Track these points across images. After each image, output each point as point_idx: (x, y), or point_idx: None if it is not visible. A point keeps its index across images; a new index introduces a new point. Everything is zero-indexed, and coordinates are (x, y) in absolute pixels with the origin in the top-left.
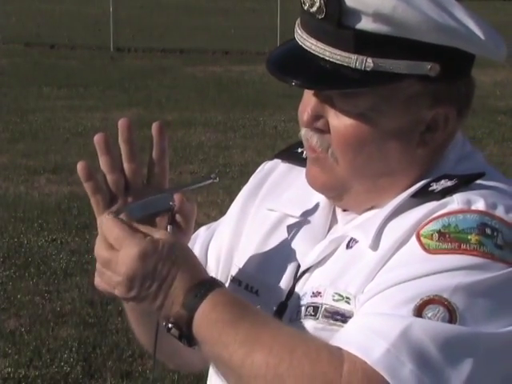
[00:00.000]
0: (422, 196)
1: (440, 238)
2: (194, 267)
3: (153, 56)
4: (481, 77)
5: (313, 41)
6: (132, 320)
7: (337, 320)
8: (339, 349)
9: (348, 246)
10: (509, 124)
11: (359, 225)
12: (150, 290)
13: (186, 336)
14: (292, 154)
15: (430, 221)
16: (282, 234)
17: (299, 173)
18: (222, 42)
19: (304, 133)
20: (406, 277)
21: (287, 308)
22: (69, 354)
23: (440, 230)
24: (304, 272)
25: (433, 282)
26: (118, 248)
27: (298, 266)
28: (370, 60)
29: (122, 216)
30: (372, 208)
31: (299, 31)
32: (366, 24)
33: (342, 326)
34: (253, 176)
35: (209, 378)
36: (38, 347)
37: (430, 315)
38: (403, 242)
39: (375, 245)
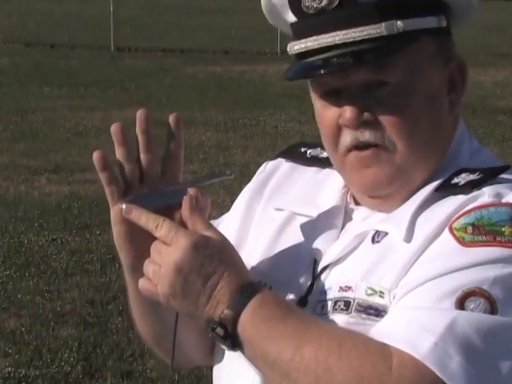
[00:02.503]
0: (445, 189)
1: (474, 231)
2: (240, 269)
3: (153, 56)
4: (481, 76)
5: (333, 34)
6: (137, 312)
7: (370, 314)
8: (384, 344)
9: (374, 241)
10: (509, 124)
11: (387, 218)
12: (194, 285)
13: (231, 335)
14: (296, 153)
15: (462, 214)
16: (292, 233)
17: (303, 172)
18: (222, 41)
19: (350, 136)
20: (445, 270)
21: (308, 303)
22: (69, 354)
23: (474, 223)
24: (324, 268)
25: (472, 274)
26: (169, 242)
27: (315, 262)
28: (399, 22)
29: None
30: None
31: (309, 43)
32: None
33: (376, 320)
34: (255, 176)
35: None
36: (38, 347)
37: (471, 307)
38: (436, 235)
39: (408, 238)
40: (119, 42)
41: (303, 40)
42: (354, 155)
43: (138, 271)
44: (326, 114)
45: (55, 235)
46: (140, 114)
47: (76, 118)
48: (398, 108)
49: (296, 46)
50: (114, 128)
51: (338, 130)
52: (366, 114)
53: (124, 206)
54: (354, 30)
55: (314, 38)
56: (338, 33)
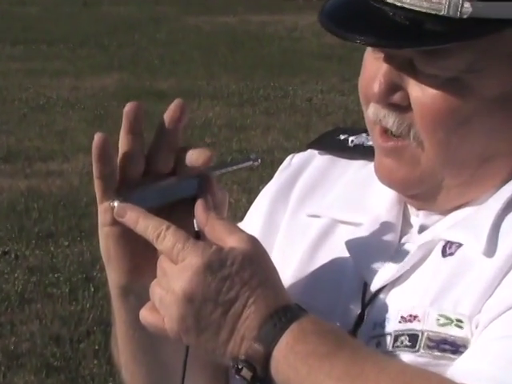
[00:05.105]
0: None
1: None
2: (273, 289)
3: (141, 1)
4: None
5: None
6: (127, 353)
7: (445, 351)
8: None
9: (445, 253)
10: None
11: (460, 225)
12: (211, 316)
13: (262, 378)
14: (333, 141)
15: None
16: (333, 246)
17: (345, 167)
18: None
19: (373, 112)
20: None
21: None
22: None
23: None
24: (378, 291)
25: None
26: (174, 259)
27: (365, 285)
28: (467, 4)
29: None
30: (464, 205)
31: None
32: None
33: (453, 359)
34: (277, 174)
35: None
36: None
37: None
38: None
39: (491, 249)
40: None
41: None
42: (378, 131)
43: (131, 295)
44: (365, 70)
45: (7, 247)
46: (129, 107)
47: (36, 87)
48: (441, 106)
49: None
50: (129, 108)
51: (368, 96)
52: (398, 96)
53: (116, 205)
54: None
55: None
56: None
